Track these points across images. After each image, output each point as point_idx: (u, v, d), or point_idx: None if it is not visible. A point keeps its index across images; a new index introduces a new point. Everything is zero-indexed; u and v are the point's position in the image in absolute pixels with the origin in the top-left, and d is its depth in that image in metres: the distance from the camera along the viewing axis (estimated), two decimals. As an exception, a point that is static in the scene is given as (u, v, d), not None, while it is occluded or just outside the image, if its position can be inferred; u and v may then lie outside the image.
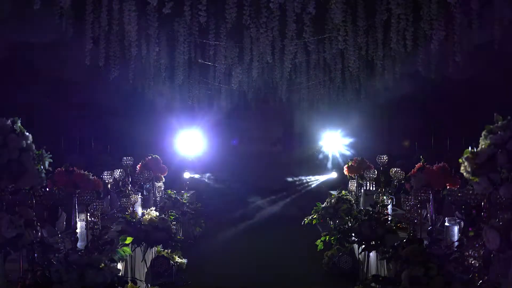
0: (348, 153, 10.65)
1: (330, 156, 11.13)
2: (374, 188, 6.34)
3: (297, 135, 11.99)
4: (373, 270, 4.77)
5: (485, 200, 2.78)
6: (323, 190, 10.29)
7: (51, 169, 3.04)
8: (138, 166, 6.58)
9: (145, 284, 5.07)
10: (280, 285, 5.96)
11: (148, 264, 5.33)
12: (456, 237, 3.66)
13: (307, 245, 7.51)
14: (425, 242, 3.37)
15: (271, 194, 11.33)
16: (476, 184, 2.64)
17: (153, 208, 5.59)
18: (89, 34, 5.00)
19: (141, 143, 10.77)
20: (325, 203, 6.67)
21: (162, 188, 6.88)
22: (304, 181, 11.51)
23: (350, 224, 5.64)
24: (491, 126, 2.63)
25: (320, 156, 11.35)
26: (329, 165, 11.09)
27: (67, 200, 4.14)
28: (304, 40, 5.62)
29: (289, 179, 11.51)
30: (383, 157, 6.15)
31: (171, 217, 5.49)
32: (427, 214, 4.37)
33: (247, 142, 12.31)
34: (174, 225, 5.09)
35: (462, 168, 2.74)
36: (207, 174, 11.27)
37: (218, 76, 6.82)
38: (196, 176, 10.71)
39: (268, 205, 11.06)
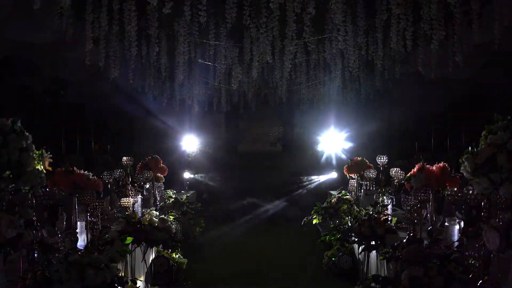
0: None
1: (332, 156, 11.11)
2: (374, 188, 6.35)
3: (297, 135, 11.97)
4: (373, 270, 4.76)
5: (485, 200, 2.78)
6: (323, 190, 10.29)
7: (51, 169, 3.04)
8: (138, 166, 6.60)
9: (145, 284, 5.07)
10: (280, 285, 5.95)
11: (148, 264, 5.33)
12: (456, 237, 3.66)
13: (307, 245, 7.52)
14: (425, 242, 3.36)
15: (271, 194, 11.32)
16: (476, 184, 2.64)
17: (153, 208, 5.60)
18: (89, 34, 5.00)
19: (141, 143, 10.81)
20: (325, 203, 6.68)
21: (162, 188, 6.90)
22: (304, 181, 11.50)
23: (350, 224, 5.63)
24: (491, 126, 2.63)
25: (320, 155, 11.34)
26: (332, 163, 11.08)
27: (67, 200, 4.15)
28: (304, 40, 5.61)
29: (289, 179, 11.49)
30: (383, 157, 6.15)
31: (171, 217, 5.49)
32: (427, 214, 4.37)
33: (247, 142, 12.31)
34: (174, 225, 5.09)
35: (462, 168, 2.74)
36: (207, 174, 11.26)
37: (218, 76, 6.82)
38: (196, 176, 10.73)
39: (268, 205, 11.05)
